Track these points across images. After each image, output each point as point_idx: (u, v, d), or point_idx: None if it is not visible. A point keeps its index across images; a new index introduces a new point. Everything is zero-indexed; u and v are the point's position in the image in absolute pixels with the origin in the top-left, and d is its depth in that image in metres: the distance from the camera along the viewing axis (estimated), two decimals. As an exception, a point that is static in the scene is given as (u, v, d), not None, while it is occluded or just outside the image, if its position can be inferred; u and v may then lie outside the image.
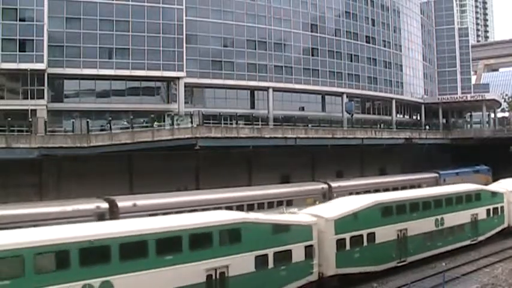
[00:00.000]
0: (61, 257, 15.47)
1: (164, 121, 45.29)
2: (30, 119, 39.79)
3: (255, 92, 60.73)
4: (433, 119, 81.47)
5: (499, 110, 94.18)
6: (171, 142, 41.21)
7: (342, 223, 23.22)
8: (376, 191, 39.71)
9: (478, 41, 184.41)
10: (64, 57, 46.07)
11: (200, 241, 18.52)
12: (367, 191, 41.81)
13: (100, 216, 28.31)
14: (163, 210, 28.79)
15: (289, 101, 63.82)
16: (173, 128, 43.05)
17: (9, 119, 38.75)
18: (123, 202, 30.06)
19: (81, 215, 26.98)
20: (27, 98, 42.54)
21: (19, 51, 42.32)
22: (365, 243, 23.92)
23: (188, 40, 52.42)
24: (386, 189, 42.05)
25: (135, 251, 16.79)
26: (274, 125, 55.17)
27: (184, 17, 51.58)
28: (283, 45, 62.65)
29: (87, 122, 40.28)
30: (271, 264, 20.36)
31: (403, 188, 44.98)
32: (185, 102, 52.19)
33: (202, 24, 55.63)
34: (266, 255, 20.24)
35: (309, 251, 21.79)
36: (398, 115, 78.80)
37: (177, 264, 17.54)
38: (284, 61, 62.22)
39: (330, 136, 53.91)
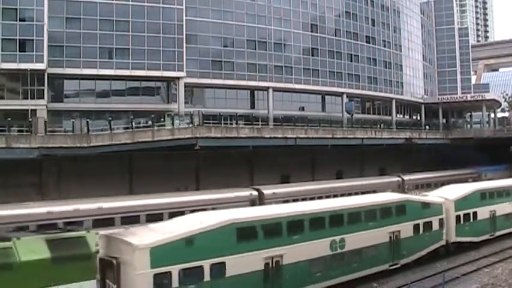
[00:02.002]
0: (314, 222, 21.51)
1: (164, 120, 45.32)
2: (30, 119, 39.80)
3: (255, 92, 60.74)
4: (433, 119, 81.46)
5: (499, 110, 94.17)
6: (171, 142, 41.22)
7: (459, 203, 29.69)
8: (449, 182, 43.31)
9: (478, 41, 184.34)
10: (64, 57, 46.11)
11: (385, 213, 25.11)
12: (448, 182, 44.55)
13: (252, 202, 34.71)
14: (294, 197, 35.73)
15: (289, 101, 63.83)
16: (173, 128, 43.06)
17: (9, 119, 38.79)
18: (267, 190, 36.70)
19: (240, 201, 33.57)
20: (27, 98, 42.57)
21: (19, 51, 42.37)
22: (471, 220, 30.26)
23: (188, 40, 52.44)
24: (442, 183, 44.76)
25: (355, 218, 23.45)
26: (274, 125, 55.18)
27: (184, 17, 51.60)
28: (283, 45, 62.66)
29: (87, 122, 40.29)
30: (421, 231, 26.77)
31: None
32: (185, 102, 52.21)
33: (202, 24, 55.64)
34: (419, 224, 26.69)
35: (441, 222, 28.15)
36: (398, 115, 78.81)
37: (374, 228, 24.17)
38: (284, 61, 62.23)
39: (330, 136, 53.90)
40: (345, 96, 67.74)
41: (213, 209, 27.84)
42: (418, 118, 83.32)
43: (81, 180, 38.26)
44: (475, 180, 51.13)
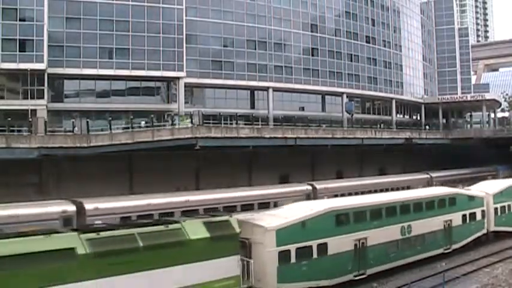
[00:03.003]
0: (389, 211, 25.41)
1: (166, 120, 45.37)
2: (30, 119, 39.79)
3: (255, 92, 60.74)
4: (433, 119, 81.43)
5: (499, 109, 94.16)
6: (171, 142, 41.20)
7: (497, 197, 33.10)
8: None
9: (478, 41, 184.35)
10: (64, 57, 46.08)
11: (441, 204, 28.83)
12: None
13: (308, 196, 38.33)
14: (342, 192, 39.66)
15: (289, 101, 63.84)
16: (173, 128, 43.07)
17: (9, 119, 38.77)
18: (319, 185, 40.23)
19: (297, 195, 36.69)
20: (27, 98, 42.56)
21: (19, 51, 42.35)
22: (506, 212, 33.67)
23: (188, 40, 52.43)
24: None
25: (418, 208, 27.29)
26: (274, 125, 55.21)
27: (184, 17, 51.59)
28: (283, 45, 62.66)
29: (87, 122, 40.29)
30: (468, 221, 30.51)
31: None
32: (185, 102, 52.22)
33: (202, 24, 55.64)
34: (466, 215, 30.40)
35: (483, 214, 31.74)
36: (398, 115, 78.80)
37: (433, 216, 27.80)
38: (284, 61, 62.23)
39: (330, 136, 53.89)
40: (345, 96, 67.73)
41: (276, 202, 33.99)
42: (418, 118, 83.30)
43: (81, 180, 38.22)
44: (493, 177, 53.89)
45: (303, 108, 64.26)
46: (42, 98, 43.44)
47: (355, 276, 22.89)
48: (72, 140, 37.57)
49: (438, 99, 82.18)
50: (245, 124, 50.92)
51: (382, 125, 67.59)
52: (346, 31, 69.34)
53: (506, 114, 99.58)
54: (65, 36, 46.32)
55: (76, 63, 46.55)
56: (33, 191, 37.27)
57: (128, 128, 42.25)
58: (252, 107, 60.23)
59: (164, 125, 44.48)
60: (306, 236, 20.81)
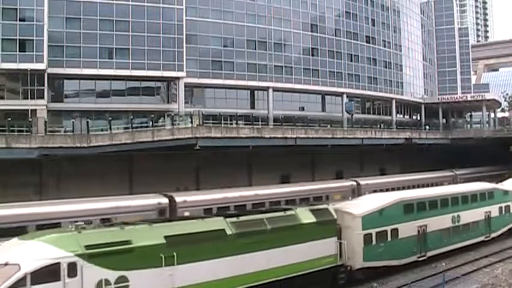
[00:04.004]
0: (443, 202, 28.83)
1: (164, 120, 45.38)
2: (30, 119, 39.80)
3: (255, 92, 60.74)
4: (433, 119, 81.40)
5: (499, 109, 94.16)
6: (171, 142, 41.20)
7: None
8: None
9: (478, 41, 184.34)
10: (64, 57, 46.06)
11: (482, 197, 32.11)
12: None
13: (352, 191, 42.16)
14: (381, 188, 41.98)
15: (289, 101, 63.81)
16: (173, 128, 43.06)
17: (9, 119, 38.77)
18: (362, 181, 44.06)
19: (344, 190, 41.58)
20: (27, 98, 42.55)
21: (19, 51, 42.34)
22: None
23: (188, 40, 52.43)
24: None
25: (465, 200, 30.63)
26: (274, 125, 55.15)
27: (184, 17, 51.59)
28: (283, 45, 62.66)
29: (87, 122, 40.30)
30: (503, 212, 33.56)
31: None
32: (185, 102, 52.20)
33: (202, 24, 55.64)
34: (502, 207, 33.56)
35: None
36: (398, 115, 78.78)
37: (476, 208, 31.09)
38: (284, 61, 62.22)
39: (330, 136, 53.88)
40: (345, 96, 67.72)
41: (328, 195, 38.90)
42: (418, 118, 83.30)
43: (81, 180, 38.27)
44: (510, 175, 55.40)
45: (303, 108, 64.26)
46: (42, 98, 43.45)
47: (419, 257, 26.32)
48: (72, 140, 37.57)
49: (438, 99, 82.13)
50: (245, 124, 50.91)
51: (382, 125, 67.55)
52: (346, 31, 69.33)
53: (506, 114, 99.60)
54: (65, 36, 46.30)
55: (76, 63, 46.55)
56: (33, 191, 37.33)
57: (128, 128, 42.25)
58: (252, 107, 60.22)
59: (163, 125, 44.42)
60: (383, 222, 24.44)
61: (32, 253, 14.19)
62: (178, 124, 44.39)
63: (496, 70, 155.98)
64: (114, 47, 48.38)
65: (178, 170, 43.88)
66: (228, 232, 18.55)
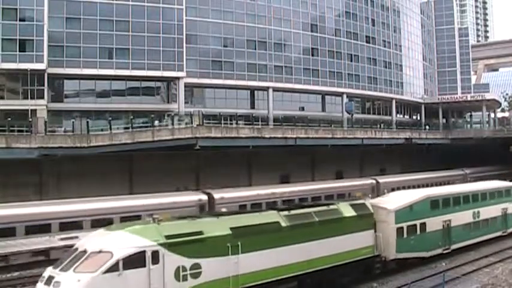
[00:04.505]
0: (465, 199, 30.23)
1: (160, 121, 45.38)
2: (30, 119, 39.81)
3: (255, 92, 60.75)
4: (433, 119, 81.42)
5: (499, 109, 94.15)
6: (171, 142, 41.22)
7: None
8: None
9: (478, 41, 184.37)
10: (64, 57, 46.09)
11: (499, 195, 33.39)
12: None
13: (372, 189, 45.15)
14: (400, 185, 44.72)
15: (289, 101, 63.82)
16: (173, 128, 43.07)
17: (9, 119, 38.80)
18: (382, 179, 48.16)
19: (365, 188, 43.89)
20: (27, 98, 42.57)
21: (19, 51, 42.36)
22: None
23: (188, 40, 52.44)
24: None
25: (484, 197, 31.92)
26: (274, 125, 55.15)
27: (184, 17, 51.60)
28: (283, 45, 62.67)
29: (87, 122, 40.30)
30: None
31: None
32: (185, 102, 52.21)
33: (202, 24, 55.65)
34: None
35: None
36: (398, 115, 78.79)
37: (494, 205, 32.36)
38: (284, 61, 62.22)
39: (330, 136, 53.90)
40: (345, 96, 67.73)
41: (349, 193, 39.63)
42: (418, 118, 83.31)
43: (81, 180, 38.31)
44: None
45: (303, 108, 64.26)
46: (42, 98, 43.46)
47: (444, 250, 27.91)
48: (72, 140, 37.60)
49: (438, 99, 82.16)
50: (245, 124, 50.92)
51: (382, 125, 67.57)
52: (346, 31, 69.33)
53: (506, 114, 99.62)
54: (65, 36, 46.32)
55: (76, 63, 46.56)
56: (33, 191, 37.35)
57: (128, 128, 42.26)
58: (252, 107, 60.23)
59: (166, 125, 44.43)
60: (412, 216, 25.91)
61: (121, 242, 15.67)
62: (179, 124, 44.38)
63: (496, 70, 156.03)
64: (114, 47, 48.39)
65: (178, 170, 43.91)
66: (283, 224, 20.16)
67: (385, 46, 75.75)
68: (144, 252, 15.46)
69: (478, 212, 30.75)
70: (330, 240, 21.50)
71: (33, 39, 42.68)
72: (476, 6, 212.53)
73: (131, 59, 48.81)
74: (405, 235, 25.26)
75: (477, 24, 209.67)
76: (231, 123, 51.36)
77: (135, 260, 15.20)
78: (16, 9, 42.91)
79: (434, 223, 27.22)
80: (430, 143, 67.42)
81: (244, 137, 45.92)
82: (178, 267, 16.22)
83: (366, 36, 72.39)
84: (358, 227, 23.06)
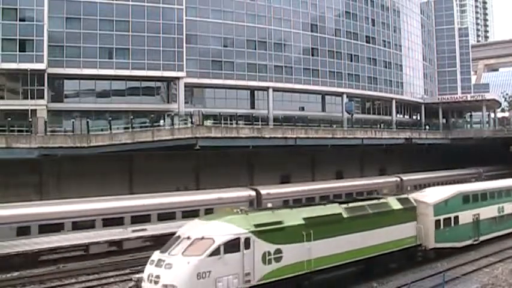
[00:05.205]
0: (491, 194, 32.08)
1: (164, 121, 45.41)
2: (30, 119, 39.82)
3: (255, 92, 60.74)
4: (433, 119, 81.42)
5: (499, 109, 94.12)
6: (171, 142, 41.24)
7: None
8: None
9: (478, 41, 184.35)
10: (64, 57, 46.10)
11: None
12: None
13: (397, 186, 48.99)
14: (419, 183, 48.93)
15: (289, 101, 63.82)
16: (173, 128, 43.09)
17: (9, 119, 38.81)
18: (405, 177, 51.46)
19: (391, 185, 48.43)
20: (27, 98, 42.58)
21: (19, 51, 42.37)
22: None
23: (188, 40, 52.45)
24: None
25: (507, 193, 33.47)
26: (274, 125, 55.18)
27: (184, 17, 51.62)
28: (283, 45, 62.66)
29: (87, 122, 40.31)
30: None
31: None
32: (185, 102, 52.22)
33: (202, 24, 55.65)
34: None
35: None
36: (398, 115, 78.79)
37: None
38: (284, 61, 62.22)
39: (330, 136, 53.92)
40: (345, 96, 67.73)
41: (377, 190, 44.25)
42: (418, 118, 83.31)
43: (81, 180, 38.32)
44: None
45: (303, 108, 64.26)
46: (42, 98, 43.47)
47: (474, 241, 29.93)
48: (72, 140, 37.63)
49: (438, 99, 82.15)
50: (245, 124, 50.93)
51: (382, 125, 67.59)
52: (346, 31, 69.33)
53: (506, 114, 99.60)
54: (65, 36, 46.32)
55: (76, 63, 46.57)
56: (33, 191, 37.36)
57: (128, 128, 42.27)
58: (252, 107, 60.23)
59: (159, 125, 44.43)
60: (448, 210, 28.06)
61: (220, 230, 18.03)
62: (179, 124, 44.39)
63: (496, 70, 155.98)
64: (114, 47, 48.39)
65: (178, 170, 43.92)
66: (344, 215, 22.47)
67: (385, 46, 75.75)
68: (238, 238, 17.82)
69: (502, 207, 32.70)
70: (381, 230, 23.73)
71: (33, 39, 42.69)
72: (476, 6, 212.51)
73: (131, 59, 48.82)
74: (442, 227, 27.59)
75: (477, 24, 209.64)
76: (231, 123, 51.38)
77: (232, 245, 17.55)
78: (16, 9, 42.93)
79: (466, 216, 29.40)
80: (430, 143, 67.42)
81: (244, 137, 45.93)
82: (265, 252, 18.56)
83: (366, 36, 72.38)
84: (403, 218, 25.36)
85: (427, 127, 77.00)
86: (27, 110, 41.52)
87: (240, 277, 17.67)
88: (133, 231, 30.44)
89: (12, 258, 26.54)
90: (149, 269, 17.34)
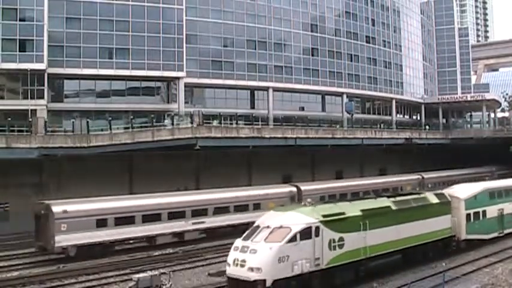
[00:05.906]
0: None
1: (172, 120, 45.43)
2: (30, 119, 39.81)
3: (255, 92, 60.75)
4: (433, 119, 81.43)
5: (499, 109, 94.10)
6: (171, 142, 41.25)
7: None
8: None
9: (478, 41, 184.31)
10: (64, 57, 46.09)
11: None
12: None
13: (418, 183, 52.32)
14: (439, 181, 53.20)
15: (289, 101, 63.83)
16: (173, 128, 43.09)
17: (9, 119, 38.81)
18: (426, 175, 54.93)
19: (413, 182, 52.01)
20: (27, 98, 42.56)
21: (19, 51, 42.36)
22: None
23: (188, 40, 52.45)
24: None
25: None
26: (274, 125, 55.20)
27: (184, 17, 51.61)
28: (283, 45, 62.66)
29: (87, 122, 40.29)
30: None
31: None
32: (185, 102, 52.22)
33: (202, 24, 55.65)
34: None
35: None
36: (398, 115, 78.79)
37: None
38: (284, 61, 62.23)
39: (330, 136, 53.94)
40: (345, 96, 67.73)
41: (401, 187, 48.20)
42: (418, 118, 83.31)
43: (81, 180, 38.28)
44: None
45: (303, 108, 64.26)
46: (42, 98, 43.45)
47: (499, 233, 32.05)
48: (72, 140, 37.64)
49: (438, 99, 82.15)
50: (245, 124, 50.93)
51: (382, 125, 67.59)
52: (346, 31, 69.33)
53: (506, 114, 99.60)
54: (65, 36, 46.32)
55: (76, 63, 46.56)
56: (33, 191, 37.34)
57: (128, 128, 42.26)
58: (252, 107, 60.23)
59: (163, 125, 44.44)
60: (477, 204, 30.21)
61: (296, 220, 20.29)
62: (178, 124, 44.38)
63: (496, 70, 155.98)
64: (114, 47, 48.39)
65: (178, 170, 43.89)
66: (393, 208, 24.66)
67: (385, 46, 75.75)
68: (310, 227, 20.03)
69: None
70: (423, 222, 25.88)
71: (33, 39, 42.68)
72: (476, 6, 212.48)
73: (131, 59, 48.81)
74: (472, 220, 29.74)
75: (477, 24, 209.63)
76: (231, 123, 51.37)
77: (305, 233, 19.77)
78: (16, 9, 42.90)
79: (492, 211, 31.52)
80: (430, 143, 67.41)
81: (244, 137, 45.94)
82: (330, 240, 20.76)
83: (366, 36, 72.38)
84: (440, 212, 27.47)
85: (427, 127, 77.03)
86: (27, 110, 41.49)
87: (312, 261, 19.88)
88: (193, 223, 33.39)
89: (93, 248, 29.17)
90: (234, 254, 19.46)
